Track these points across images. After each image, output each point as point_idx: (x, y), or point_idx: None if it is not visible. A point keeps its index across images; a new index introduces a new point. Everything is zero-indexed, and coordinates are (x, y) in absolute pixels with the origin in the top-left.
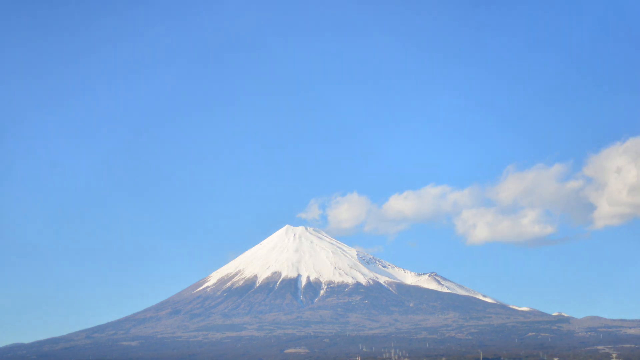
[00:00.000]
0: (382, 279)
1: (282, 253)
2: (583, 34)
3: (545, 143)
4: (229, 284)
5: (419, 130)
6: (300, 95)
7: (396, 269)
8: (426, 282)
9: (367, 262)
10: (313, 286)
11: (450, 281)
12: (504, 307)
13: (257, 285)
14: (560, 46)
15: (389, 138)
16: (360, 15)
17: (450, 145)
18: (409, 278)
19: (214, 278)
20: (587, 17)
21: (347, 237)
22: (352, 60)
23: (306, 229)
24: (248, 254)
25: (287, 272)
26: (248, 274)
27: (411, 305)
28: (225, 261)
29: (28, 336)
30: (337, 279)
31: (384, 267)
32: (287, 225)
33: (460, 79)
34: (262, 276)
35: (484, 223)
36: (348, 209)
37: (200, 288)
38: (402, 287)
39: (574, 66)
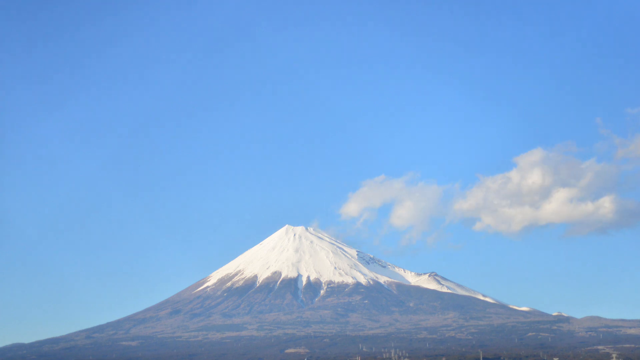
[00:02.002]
0: (382, 279)
1: (282, 253)
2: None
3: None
4: (229, 284)
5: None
6: (300, 92)
7: (396, 268)
8: (426, 282)
9: (367, 262)
10: (313, 286)
11: (450, 281)
12: (504, 307)
13: (257, 285)
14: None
15: (389, 136)
16: (361, 6)
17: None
18: (409, 278)
19: (214, 278)
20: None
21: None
22: (352, 57)
23: (306, 228)
24: (248, 254)
25: (287, 272)
26: (248, 274)
27: (411, 305)
28: (225, 261)
29: (28, 336)
30: (337, 278)
31: (384, 267)
32: (287, 225)
33: (464, 68)
34: (262, 276)
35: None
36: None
37: (200, 288)
38: (402, 287)
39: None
